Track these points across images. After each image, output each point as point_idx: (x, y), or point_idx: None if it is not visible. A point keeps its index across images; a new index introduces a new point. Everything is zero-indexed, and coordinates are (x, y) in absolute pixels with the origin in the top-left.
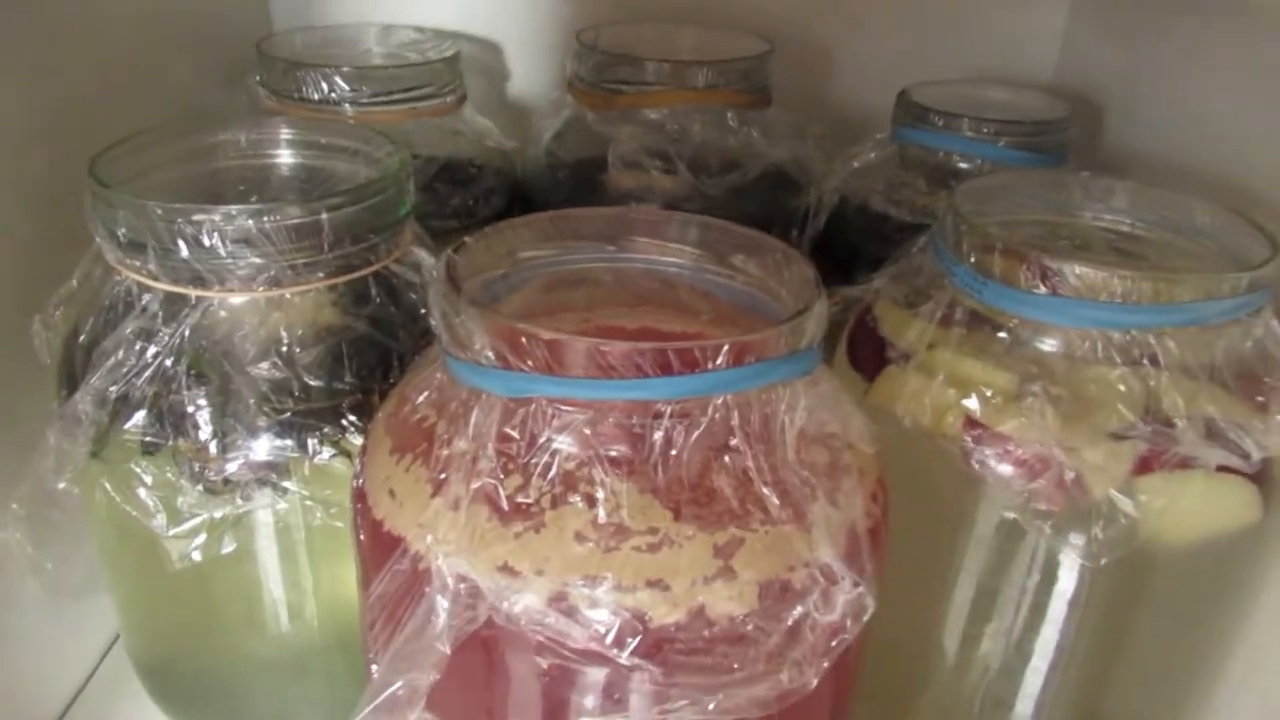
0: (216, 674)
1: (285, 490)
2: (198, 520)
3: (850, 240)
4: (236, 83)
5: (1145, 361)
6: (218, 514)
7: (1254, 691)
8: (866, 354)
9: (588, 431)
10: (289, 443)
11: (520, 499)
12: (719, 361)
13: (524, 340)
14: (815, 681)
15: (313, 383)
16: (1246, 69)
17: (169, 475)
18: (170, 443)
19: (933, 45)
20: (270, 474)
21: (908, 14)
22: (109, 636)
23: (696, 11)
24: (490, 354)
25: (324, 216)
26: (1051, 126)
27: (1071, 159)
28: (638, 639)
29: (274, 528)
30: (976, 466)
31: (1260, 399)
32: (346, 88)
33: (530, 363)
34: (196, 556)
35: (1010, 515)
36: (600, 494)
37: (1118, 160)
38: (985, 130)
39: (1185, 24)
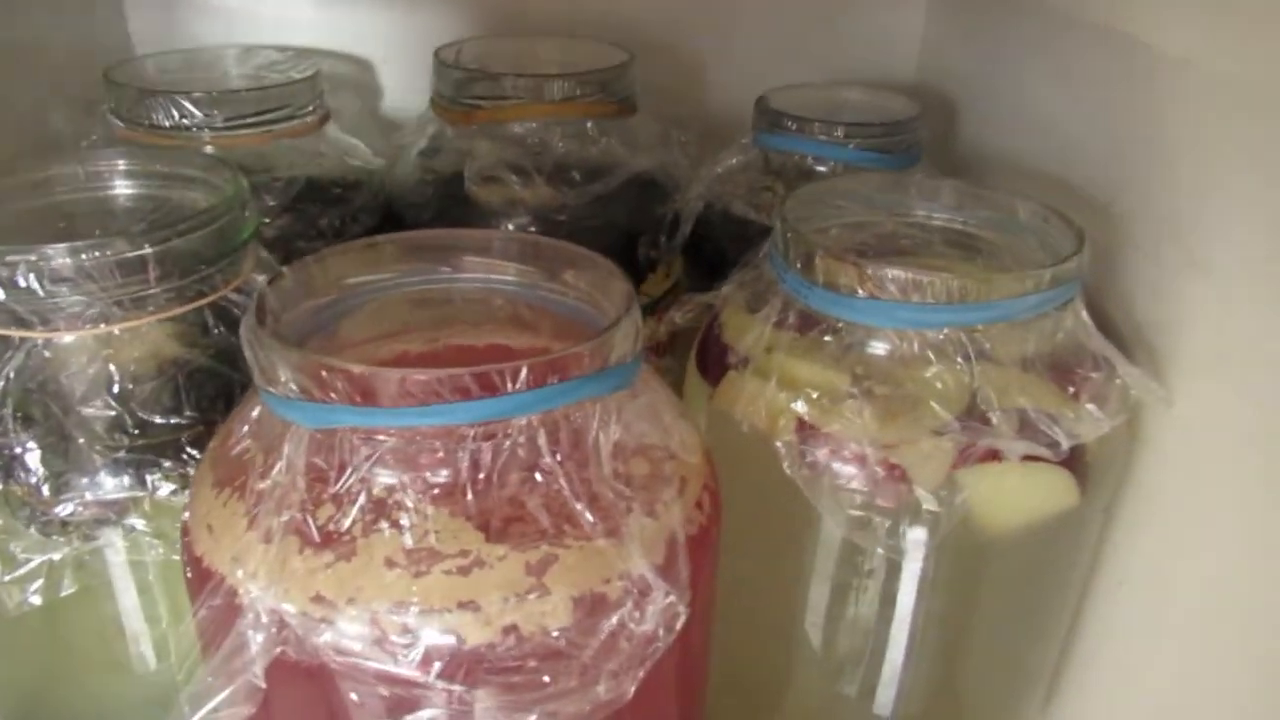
0: (83, 715)
1: (130, 528)
2: (34, 564)
3: (717, 245)
4: (92, 111)
5: (962, 358)
6: (56, 556)
7: (1104, 663)
8: (712, 360)
9: (393, 458)
10: (126, 480)
11: (331, 528)
12: (520, 384)
13: (324, 372)
14: (631, 691)
15: (149, 418)
16: (1070, 74)
17: (0, 520)
18: (0, 486)
19: (800, 49)
20: (110, 512)
21: (774, 19)
22: None
23: (561, 24)
24: (294, 386)
25: (149, 250)
26: (901, 128)
27: (928, 159)
28: (451, 661)
29: (124, 566)
30: (807, 468)
31: (1073, 388)
32: (199, 113)
33: (333, 394)
34: (35, 600)
35: (847, 513)
36: (409, 520)
37: (972, 160)
38: (836, 133)
39: (1024, 29)
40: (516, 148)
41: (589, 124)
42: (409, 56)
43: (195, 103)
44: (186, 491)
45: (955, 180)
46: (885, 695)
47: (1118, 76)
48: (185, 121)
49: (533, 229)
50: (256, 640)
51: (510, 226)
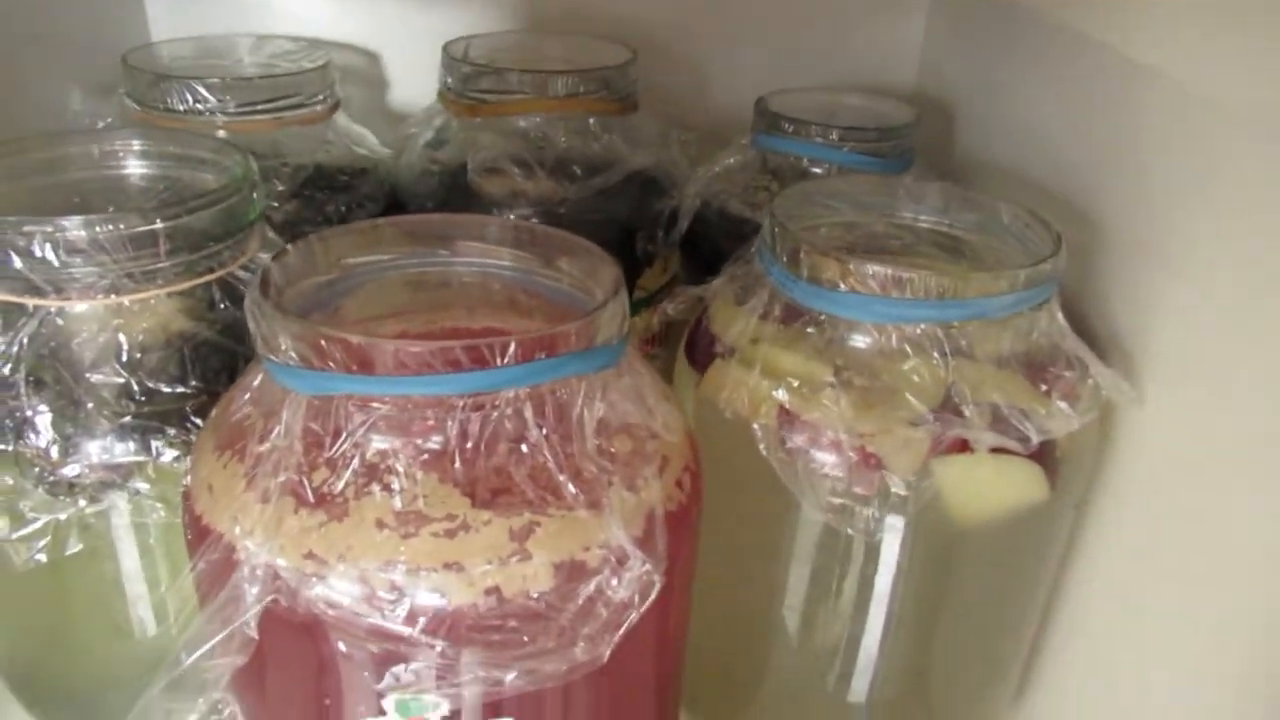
0: (86, 679)
1: (134, 491)
2: (41, 523)
3: (714, 242)
4: (110, 95)
5: (939, 353)
6: (62, 516)
7: (1075, 658)
8: (700, 349)
9: (386, 426)
10: (131, 445)
11: (324, 490)
12: (509, 358)
13: (323, 342)
14: (607, 654)
15: (155, 387)
16: (1058, 84)
17: (8, 480)
18: (11, 448)
19: (800, 54)
20: (115, 476)
21: (775, 24)
22: None
23: (567, 22)
24: (294, 355)
25: (159, 225)
26: (896, 133)
27: (924, 164)
28: (435, 618)
29: (126, 528)
30: (780, 457)
31: (1045, 386)
32: (212, 99)
33: (331, 363)
34: (41, 558)
35: (819, 502)
36: (399, 484)
37: (967, 166)
38: (832, 136)
39: (1021, 40)
40: (520, 141)
41: (591, 120)
42: (416, 49)
43: (209, 88)
44: (189, 458)
45: (942, 183)
46: (860, 682)
47: (1100, 87)
48: (199, 106)
49: (533, 220)
50: (251, 592)
51: (511, 217)
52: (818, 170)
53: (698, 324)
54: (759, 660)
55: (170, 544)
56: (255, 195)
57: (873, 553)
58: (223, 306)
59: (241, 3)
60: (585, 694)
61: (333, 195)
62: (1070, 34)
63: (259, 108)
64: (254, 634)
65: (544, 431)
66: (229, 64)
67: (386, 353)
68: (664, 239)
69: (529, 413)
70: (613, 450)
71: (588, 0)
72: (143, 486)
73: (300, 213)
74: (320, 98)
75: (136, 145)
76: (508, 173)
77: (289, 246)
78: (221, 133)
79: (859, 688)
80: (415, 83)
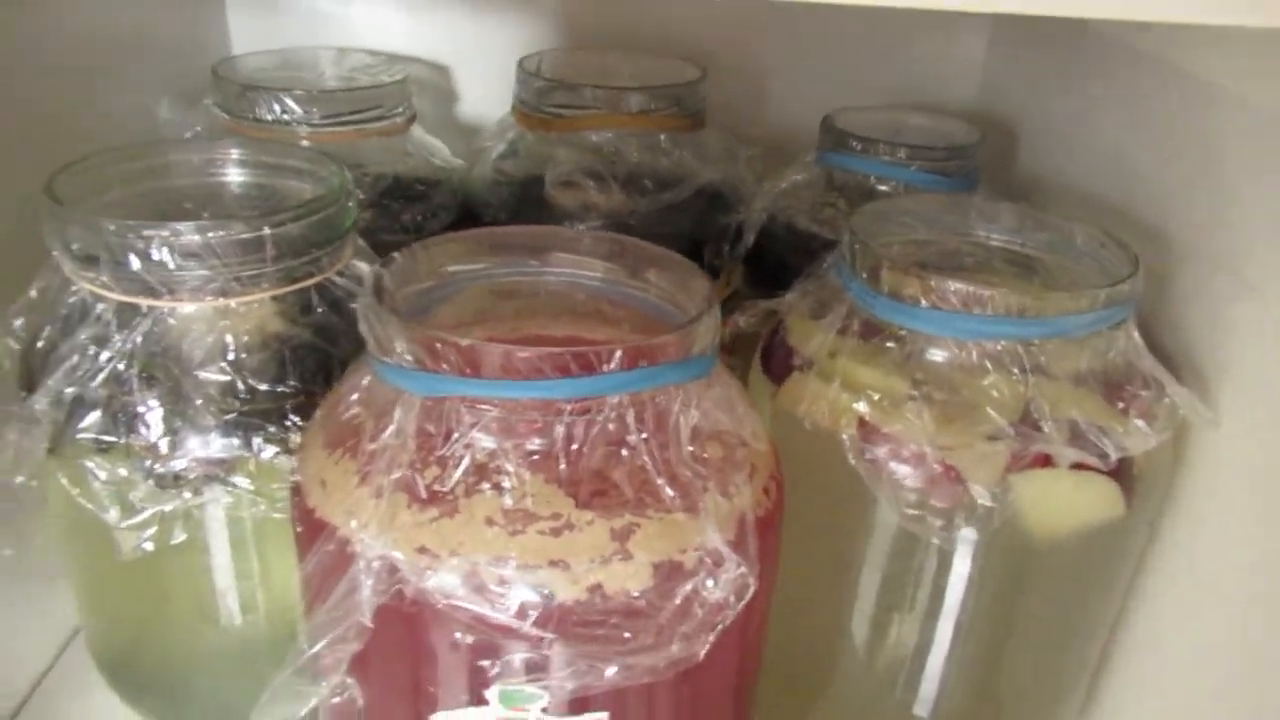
0: (172, 665)
1: (233, 485)
2: (149, 513)
3: (779, 257)
4: (197, 104)
5: (1018, 370)
6: (168, 507)
7: (1142, 673)
8: (777, 361)
9: (497, 427)
10: (235, 441)
11: (437, 488)
12: (614, 365)
13: (438, 345)
14: (702, 652)
15: (258, 386)
16: (1130, 105)
17: (121, 471)
18: (123, 441)
19: (864, 72)
20: (218, 470)
21: (839, 43)
22: (69, 630)
23: (636, 39)
24: (409, 358)
25: (267, 232)
26: (962, 152)
27: (986, 183)
28: (541, 613)
29: (223, 521)
30: (867, 465)
31: (1122, 404)
32: (299, 109)
33: (445, 366)
34: (148, 547)
35: (901, 510)
36: (508, 483)
37: (1030, 185)
38: (900, 155)
39: (1085, 60)
40: (593, 155)
41: (661, 136)
42: (487, 64)
43: (295, 99)
44: (287, 455)
45: (1014, 203)
46: (926, 693)
47: (1176, 109)
48: (285, 117)
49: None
50: (367, 584)
51: (583, 229)
52: (884, 188)
53: (772, 336)
54: (826, 668)
55: (263, 538)
56: (350, 204)
57: (946, 564)
58: (319, 310)
59: (319, 16)
60: (672, 691)
61: (408, 205)
62: (1146, 58)
63: (342, 119)
64: (369, 623)
65: (643, 436)
66: (311, 76)
67: (499, 357)
68: (730, 252)
69: (630, 418)
70: (706, 456)
71: (655, 17)
72: (242, 481)
73: (377, 221)
74: (399, 110)
75: (235, 154)
76: (583, 186)
77: (397, 254)
78: (305, 142)
79: (925, 699)
80: (486, 96)
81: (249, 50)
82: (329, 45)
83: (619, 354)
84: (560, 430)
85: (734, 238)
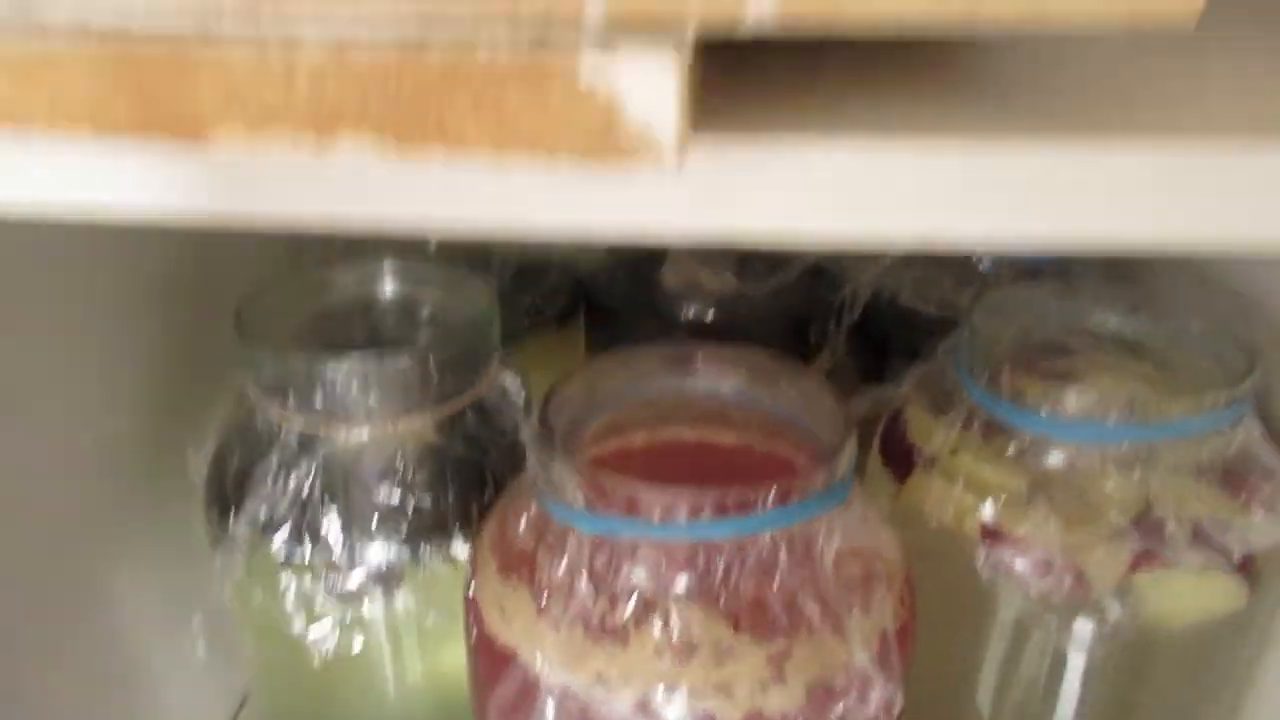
0: None
1: (404, 595)
2: (330, 621)
3: (883, 332)
4: None
5: (1139, 468)
6: (348, 616)
7: None
8: (898, 456)
9: (662, 563)
10: (405, 554)
11: (608, 620)
12: (767, 503)
13: (608, 489)
14: None
15: (421, 502)
16: None
17: (305, 583)
18: (308, 558)
19: None
20: (390, 581)
21: None
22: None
23: None
24: (580, 498)
25: (432, 361)
26: None
27: (1099, 263)
28: None
29: (388, 624)
30: (992, 567)
31: (1244, 497)
32: None
33: (614, 508)
34: (328, 650)
35: (1023, 610)
36: (673, 615)
37: (1141, 265)
38: None
39: None
40: None
41: None
42: None
43: None
44: (449, 563)
45: (1127, 287)
46: None
47: None
48: None
49: (712, 313)
50: (549, 707)
51: (693, 311)
52: (986, 266)
53: (890, 427)
54: None
55: (427, 635)
56: (495, 324)
57: (1064, 659)
58: (471, 425)
59: None
60: None
61: (527, 289)
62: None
63: None
64: None
65: (793, 565)
66: None
67: (664, 500)
68: (834, 329)
69: (782, 549)
70: (848, 575)
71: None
72: (411, 591)
73: (503, 309)
74: None
75: (387, 272)
76: (697, 271)
77: (554, 384)
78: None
79: None
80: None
81: None
82: None
83: (773, 491)
84: (719, 564)
85: (838, 314)
